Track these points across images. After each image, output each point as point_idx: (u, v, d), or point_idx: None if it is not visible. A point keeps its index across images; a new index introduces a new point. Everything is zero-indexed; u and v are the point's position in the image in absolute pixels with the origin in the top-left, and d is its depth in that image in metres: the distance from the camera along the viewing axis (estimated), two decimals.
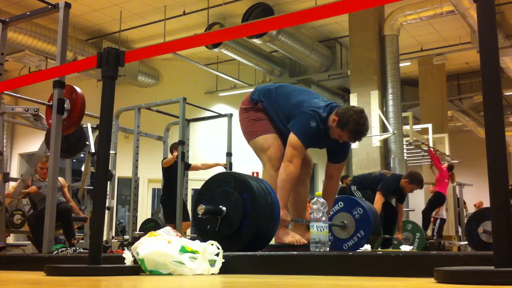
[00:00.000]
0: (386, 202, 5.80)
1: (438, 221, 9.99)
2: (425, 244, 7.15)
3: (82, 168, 6.68)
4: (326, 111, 3.13)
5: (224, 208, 2.46)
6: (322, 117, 3.11)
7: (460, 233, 10.34)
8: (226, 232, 2.44)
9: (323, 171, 3.46)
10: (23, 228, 5.97)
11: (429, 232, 9.79)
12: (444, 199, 9.20)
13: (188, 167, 6.77)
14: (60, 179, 5.54)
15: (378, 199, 5.45)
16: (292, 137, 3.12)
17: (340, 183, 10.60)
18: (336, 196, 3.69)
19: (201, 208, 2.43)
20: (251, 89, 3.52)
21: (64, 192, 5.74)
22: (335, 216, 3.92)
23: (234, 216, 2.44)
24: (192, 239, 2.36)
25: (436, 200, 9.08)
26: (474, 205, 12.27)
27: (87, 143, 5.63)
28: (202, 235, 2.51)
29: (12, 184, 5.82)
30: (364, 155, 8.42)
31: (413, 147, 9.67)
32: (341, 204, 3.94)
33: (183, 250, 2.06)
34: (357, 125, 3.06)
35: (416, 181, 5.72)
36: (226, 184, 2.52)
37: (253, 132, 3.31)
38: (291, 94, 3.28)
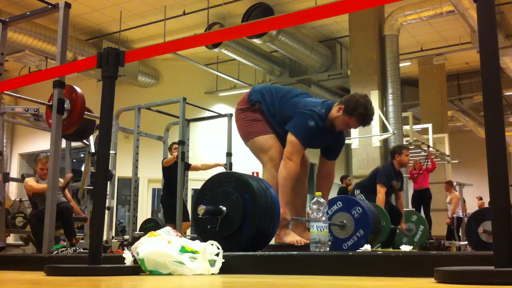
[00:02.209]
0: (391, 205, 5.85)
1: (455, 220, 9.93)
2: (425, 244, 7.14)
3: (82, 168, 6.68)
4: (324, 107, 3.19)
5: (224, 208, 2.45)
6: (321, 114, 3.15)
7: (460, 233, 10.33)
8: (226, 232, 2.44)
9: None
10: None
11: (439, 232, 9.76)
12: None
13: (188, 167, 6.76)
14: (61, 179, 5.52)
15: (380, 190, 5.48)
16: (291, 136, 3.16)
17: (340, 183, 10.64)
18: (336, 196, 3.69)
19: (201, 208, 2.43)
20: None
21: (64, 192, 5.73)
22: (334, 215, 3.92)
23: (234, 216, 2.43)
24: (192, 239, 2.35)
25: (430, 196, 9.10)
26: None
27: (89, 140, 5.61)
28: (202, 235, 2.51)
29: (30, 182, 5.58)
30: (364, 155, 8.42)
31: (413, 147, 9.68)
32: (340, 204, 3.93)
33: (183, 250, 2.06)
34: (365, 109, 3.14)
35: (404, 147, 6.06)
36: (226, 184, 2.52)
37: (252, 132, 3.32)
38: (286, 96, 3.32)
